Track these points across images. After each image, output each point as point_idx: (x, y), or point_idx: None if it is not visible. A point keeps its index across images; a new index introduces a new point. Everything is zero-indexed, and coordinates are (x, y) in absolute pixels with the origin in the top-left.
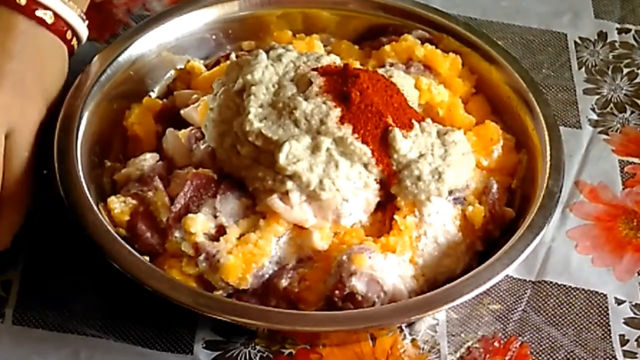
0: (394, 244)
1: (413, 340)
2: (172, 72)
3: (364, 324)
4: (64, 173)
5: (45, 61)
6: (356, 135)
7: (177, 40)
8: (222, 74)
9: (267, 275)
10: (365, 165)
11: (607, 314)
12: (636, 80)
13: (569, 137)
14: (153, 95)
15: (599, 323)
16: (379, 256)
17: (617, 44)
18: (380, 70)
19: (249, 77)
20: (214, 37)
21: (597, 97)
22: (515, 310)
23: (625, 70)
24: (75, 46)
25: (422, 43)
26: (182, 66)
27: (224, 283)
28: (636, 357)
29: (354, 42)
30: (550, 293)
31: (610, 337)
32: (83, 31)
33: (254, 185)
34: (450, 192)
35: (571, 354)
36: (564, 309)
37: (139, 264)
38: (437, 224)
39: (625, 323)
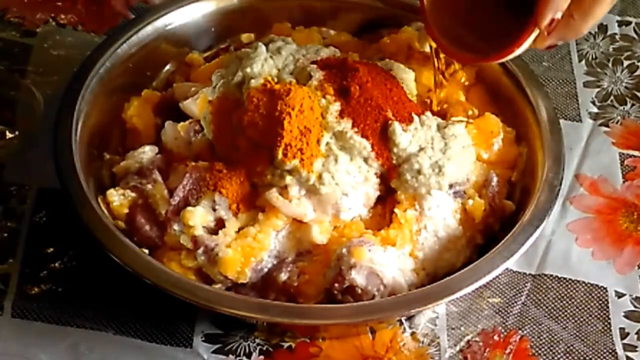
0: (394, 237)
1: (413, 334)
2: (171, 64)
3: (363, 317)
4: (63, 166)
5: None
6: (356, 130)
7: (176, 33)
8: (221, 67)
9: (266, 269)
10: (365, 159)
11: (607, 307)
12: (636, 73)
13: (569, 130)
14: (152, 87)
15: (599, 316)
16: (379, 249)
17: (617, 37)
18: (380, 63)
19: (248, 69)
20: (213, 29)
21: (598, 89)
22: (515, 304)
23: (626, 63)
24: None
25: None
26: (181, 58)
27: (223, 277)
28: (636, 351)
29: (353, 34)
30: (550, 286)
31: (611, 330)
32: None
33: (252, 179)
34: (451, 186)
35: (571, 347)
36: (564, 302)
37: (138, 257)
38: (438, 217)
39: (625, 316)
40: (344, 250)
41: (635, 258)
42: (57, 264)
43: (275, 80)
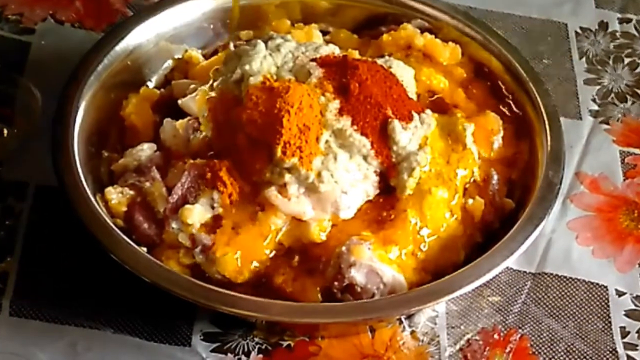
0: (394, 235)
1: (412, 332)
2: (170, 61)
3: (363, 315)
4: (61, 163)
5: None
6: (355, 127)
7: (175, 30)
8: (220, 64)
9: (264, 268)
10: (365, 157)
11: (608, 306)
12: (637, 70)
13: (569, 128)
14: (150, 85)
15: (599, 315)
16: (379, 248)
17: (618, 34)
18: (380, 61)
19: (247, 67)
20: (211, 26)
21: (598, 87)
22: (516, 302)
23: (627, 60)
24: None
25: (422, 32)
26: (180, 56)
27: (221, 275)
28: (637, 349)
29: (353, 32)
30: (550, 285)
31: (611, 329)
32: None
33: (251, 177)
34: None
35: (571, 346)
36: (565, 301)
37: (136, 255)
38: (437, 216)
39: (626, 315)
40: (344, 248)
41: (635, 256)
42: (55, 263)
43: (274, 77)
